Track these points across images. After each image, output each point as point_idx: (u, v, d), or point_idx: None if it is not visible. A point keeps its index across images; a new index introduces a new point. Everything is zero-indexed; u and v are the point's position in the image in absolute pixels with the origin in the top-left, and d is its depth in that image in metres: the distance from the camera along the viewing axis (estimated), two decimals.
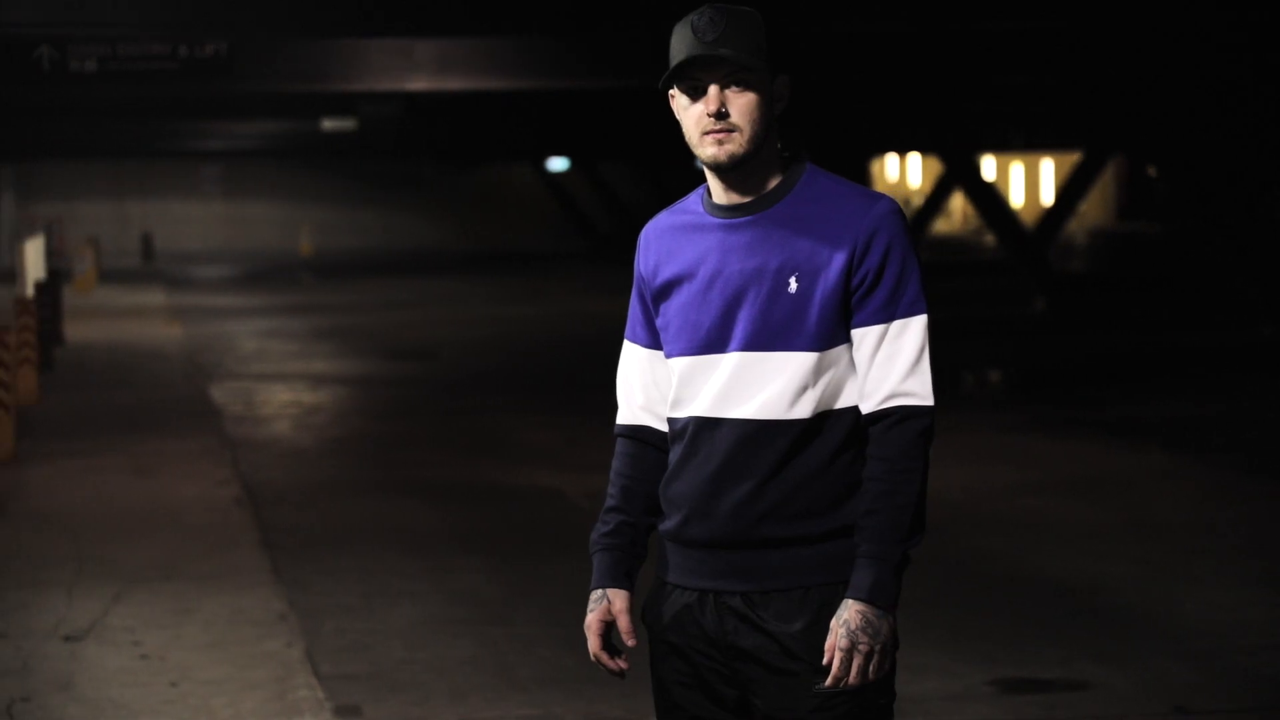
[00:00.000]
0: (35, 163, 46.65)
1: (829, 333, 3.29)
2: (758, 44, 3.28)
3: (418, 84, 15.28)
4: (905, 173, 61.33)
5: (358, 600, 8.20)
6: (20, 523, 10.15)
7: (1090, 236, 45.61)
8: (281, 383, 17.47)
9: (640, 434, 3.49)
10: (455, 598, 8.25)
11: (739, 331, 3.31)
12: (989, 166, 56.82)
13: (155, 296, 31.73)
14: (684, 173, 37.91)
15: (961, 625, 7.64)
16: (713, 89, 3.29)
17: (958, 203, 53.00)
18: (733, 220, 3.36)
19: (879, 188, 58.77)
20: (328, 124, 27.19)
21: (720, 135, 3.30)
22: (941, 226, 51.10)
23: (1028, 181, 56.48)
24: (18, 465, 12.18)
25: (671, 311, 3.40)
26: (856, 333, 3.31)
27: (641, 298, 3.49)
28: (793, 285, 3.29)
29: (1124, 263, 37.31)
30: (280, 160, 48.74)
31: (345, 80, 15.39)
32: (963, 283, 31.52)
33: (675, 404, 3.40)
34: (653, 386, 3.48)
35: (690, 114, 3.33)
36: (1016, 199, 55.92)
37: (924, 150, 39.66)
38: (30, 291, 19.84)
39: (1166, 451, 12.47)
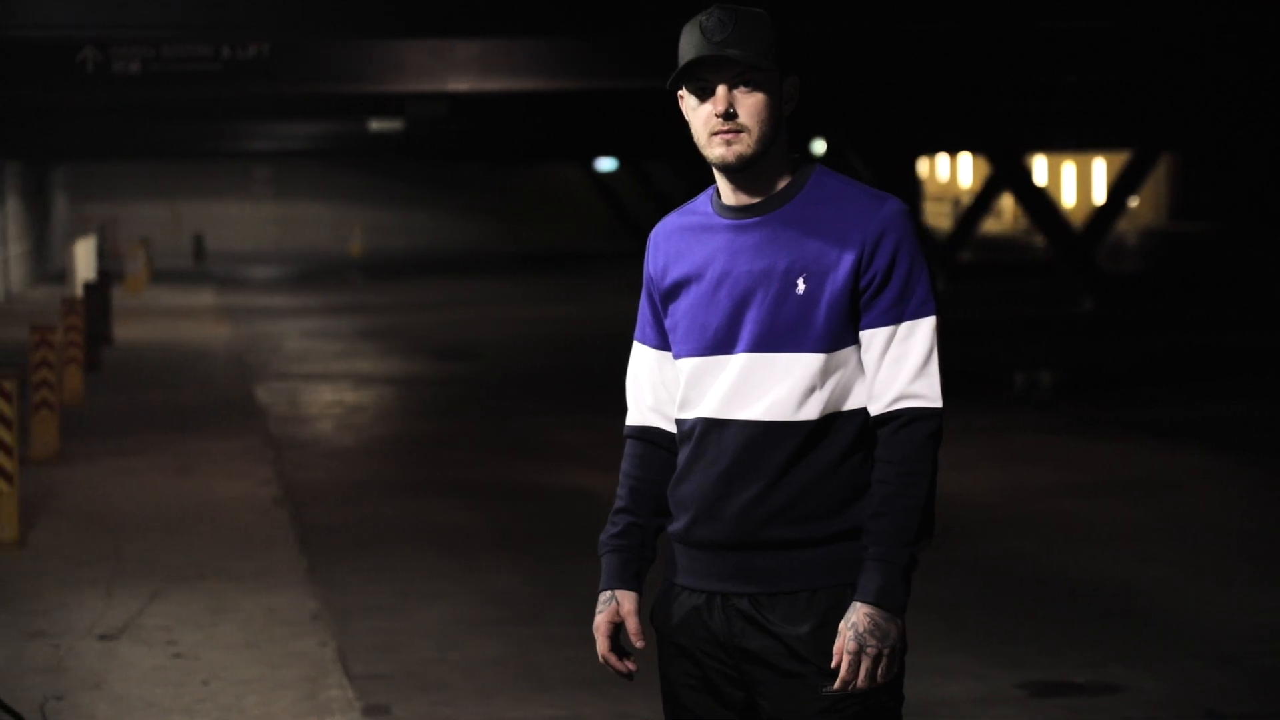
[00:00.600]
0: (88, 164, 46.98)
1: (837, 334, 3.28)
2: (767, 44, 3.27)
3: (458, 85, 15.30)
4: (956, 172, 61.12)
5: (391, 600, 8.22)
6: (62, 522, 10.22)
7: (1142, 236, 45.37)
8: (326, 382, 17.55)
9: (649, 435, 3.49)
10: (488, 598, 8.27)
11: (746, 333, 3.31)
12: (1040, 167, 56.58)
13: (205, 297, 31.91)
14: None
15: (992, 628, 7.61)
16: (721, 89, 3.28)
17: (1008, 202, 52.78)
18: (741, 221, 3.35)
19: (930, 188, 58.57)
20: (375, 125, 27.24)
21: (728, 136, 3.29)
22: (992, 226, 50.91)
23: (1079, 181, 56.20)
24: (62, 464, 12.27)
25: (680, 312, 3.40)
26: (865, 334, 3.30)
27: (651, 298, 3.49)
28: (800, 286, 3.28)
29: (1175, 263, 37.09)
30: (330, 161, 48.97)
31: (387, 81, 15.42)
32: (1011, 283, 31.39)
33: (683, 405, 3.39)
34: (661, 387, 3.48)
35: (698, 114, 3.32)
36: (1068, 199, 55.67)
37: (972, 150, 39.50)
38: (79, 292, 20.00)
39: (1209, 453, 12.38)
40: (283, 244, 50.90)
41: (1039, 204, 27.80)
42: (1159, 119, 26.99)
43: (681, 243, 3.42)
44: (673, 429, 3.46)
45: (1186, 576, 8.58)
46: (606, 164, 45.01)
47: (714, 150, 3.31)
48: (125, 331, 22.80)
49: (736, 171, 3.32)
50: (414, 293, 32.12)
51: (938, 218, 54.51)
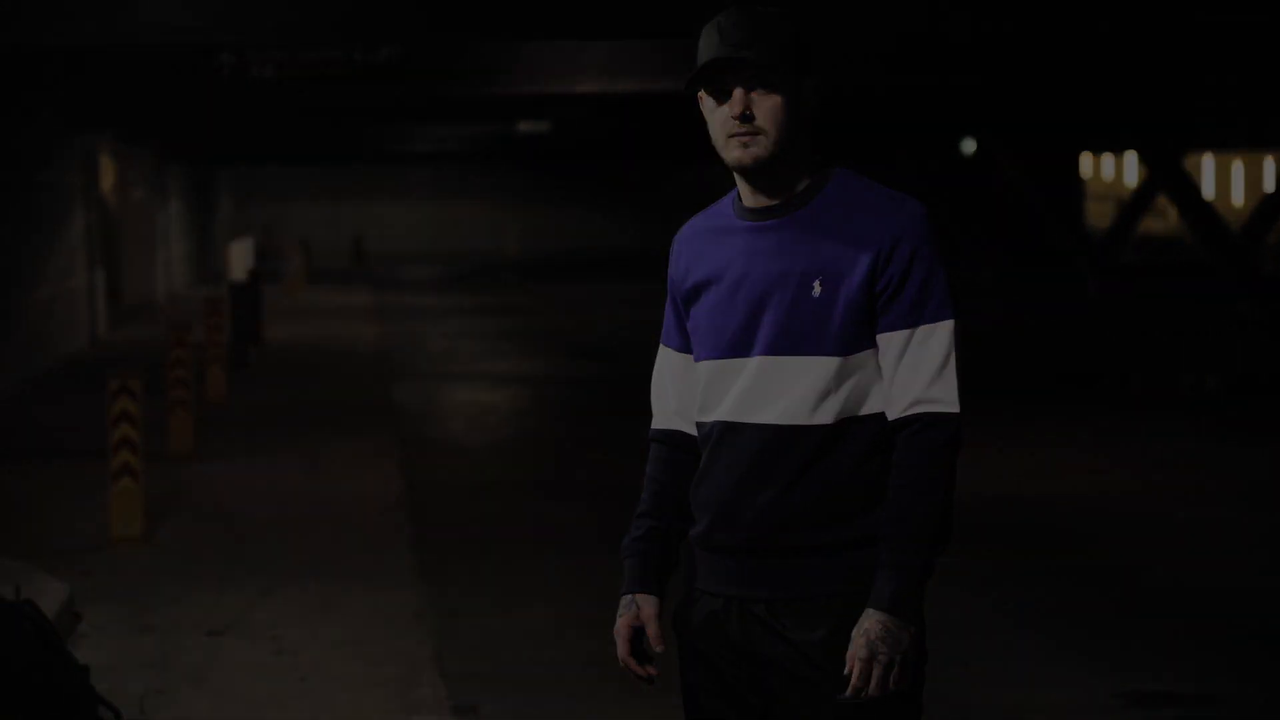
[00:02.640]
0: (251, 166, 47.83)
1: (852, 338, 3.23)
2: (784, 46, 3.23)
3: (587, 86, 15.34)
4: (1121, 171, 60.12)
5: (497, 600, 8.26)
6: (188, 518, 10.41)
7: None
8: (463, 382, 17.69)
9: (672, 439, 3.48)
10: (593, 600, 8.26)
11: (763, 336, 3.27)
12: (1208, 166, 55.46)
13: (360, 297, 32.35)
14: (884, 171, 37.51)
15: (1101, 635, 7.47)
16: (737, 91, 3.24)
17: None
18: (760, 223, 3.31)
19: (1093, 187, 57.67)
20: (524, 126, 27.43)
21: (745, 138, 3.25)
22: (1156, 226, 49.99)
23: (1248, 181, 54.99)
24: (196, 462, 12.49)
25: (700, 315, 3.37)
26: (881, 338, 3.24)
27: (674, 301, 3.46)
28: (816, 289, 3.24)
29: None
30: (487, 163, 49.38)
31: (515, 83, 15.50)
32: (1169, 284, 30.79)
33: (702, 408, 3.37)
34: (685, 391, 3.45)
35: (716, 116, 3.28)
36: (1238, 199, 54.50)
37: (1130, 149, 38.86)
38: (226, 292, 20.36)
39: None
40: (440, 245, 51.46)
41: (1194, 204, 27.26)
42: None
43: (703, 245, 3.39)
44: (696, 432, 3.43)
45: None
46: None
47: (731, 153, 3.27)
48: (278, 331, 23.18)
49: (754, 174, 3.28)
50: (562, 293, 32.30)
51: (1100, 217, 53.65)
